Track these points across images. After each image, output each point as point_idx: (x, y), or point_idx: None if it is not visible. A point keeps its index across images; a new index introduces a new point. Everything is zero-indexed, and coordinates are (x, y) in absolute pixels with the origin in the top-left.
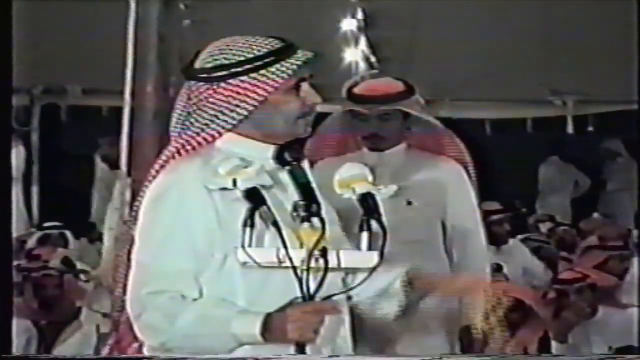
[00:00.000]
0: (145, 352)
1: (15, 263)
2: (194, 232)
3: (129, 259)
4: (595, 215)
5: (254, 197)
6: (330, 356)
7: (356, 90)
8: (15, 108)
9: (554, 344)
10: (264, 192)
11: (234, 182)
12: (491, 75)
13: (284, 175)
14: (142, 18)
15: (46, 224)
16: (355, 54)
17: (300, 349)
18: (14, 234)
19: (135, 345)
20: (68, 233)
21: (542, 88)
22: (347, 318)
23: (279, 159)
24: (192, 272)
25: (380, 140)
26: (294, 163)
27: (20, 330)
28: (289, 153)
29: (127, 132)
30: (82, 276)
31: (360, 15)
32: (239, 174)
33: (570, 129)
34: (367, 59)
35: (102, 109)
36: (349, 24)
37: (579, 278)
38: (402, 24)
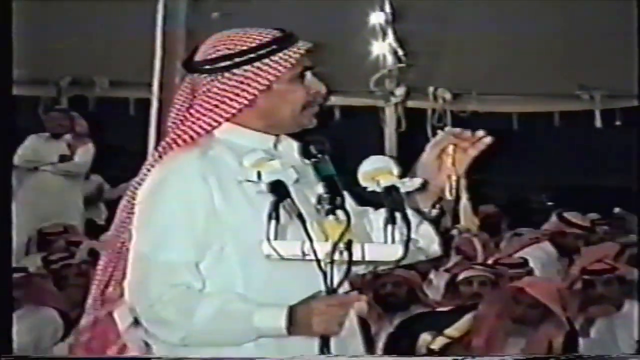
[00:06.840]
0: (154, 350)
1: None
2: (194, 222)
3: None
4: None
5: (279, 190)
6: (336, 356)
7: None
8: (43, 100)
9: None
10: (288, 185)
11: (259, 175)
12: (518, 69)
13: (308, 168)
14: (170, 10)
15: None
16: (382, 48)
17: (325, 342)
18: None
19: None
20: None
21: (570, 82)
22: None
23: (305, 152)
24: (194, 262)
25: None
26: (319, 156)
27: (46, 321)
28: (315, 146)
29: (155, 124)
30: None
31: (388, 8)
32: (264, 166)
33: (598, 123)
34: (394, 53)
35: (129, 100)
36: (376, 17)
37: (608, 269)
38: (429, 17)
